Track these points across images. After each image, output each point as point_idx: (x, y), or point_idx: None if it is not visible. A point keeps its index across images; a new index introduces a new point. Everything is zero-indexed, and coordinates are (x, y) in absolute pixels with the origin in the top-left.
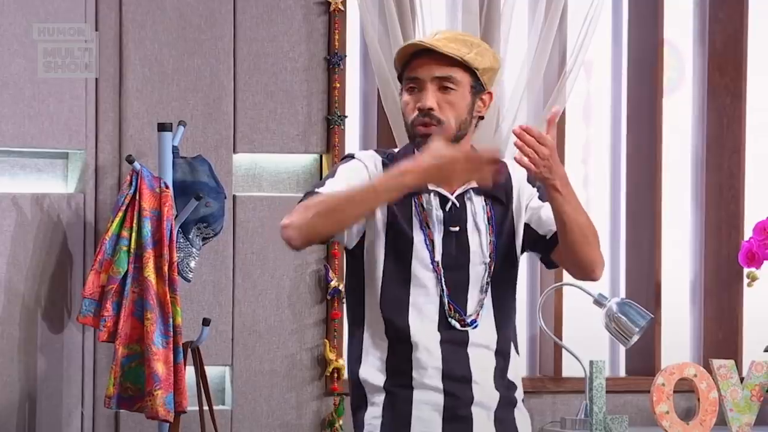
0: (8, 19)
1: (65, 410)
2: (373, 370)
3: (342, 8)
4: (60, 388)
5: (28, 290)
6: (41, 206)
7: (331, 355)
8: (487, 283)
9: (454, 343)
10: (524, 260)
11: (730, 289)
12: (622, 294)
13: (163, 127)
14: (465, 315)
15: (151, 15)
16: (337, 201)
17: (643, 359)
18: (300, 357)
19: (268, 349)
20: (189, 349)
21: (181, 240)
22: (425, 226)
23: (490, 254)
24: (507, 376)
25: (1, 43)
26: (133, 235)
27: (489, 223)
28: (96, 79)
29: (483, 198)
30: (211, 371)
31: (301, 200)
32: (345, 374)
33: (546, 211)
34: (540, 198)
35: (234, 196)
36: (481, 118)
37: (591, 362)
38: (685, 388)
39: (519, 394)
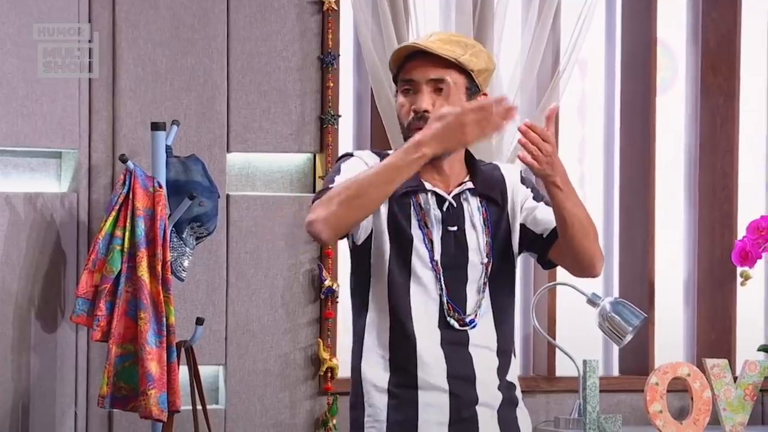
0: (1, 19)
1: (59, 410)
2: (375, 368)
3: (335, 7)
4: (53, 387)
5: (21, 289)
6: (34, 205)
7: (325, 355)
8: (485, 283)
9: (455, 343)
10: (518, 260)
11: (724, 288)
12: (616, 293)
13: (156, 127)
14: (464, 315)
15: (144, 14)
16: (358, 186)
17: (637, 359)
18: (293, 356)
19: (261, 348)
20: (182, 349)
21: (175, 239)
22: (423, 225)
23: (487, 254)
24: (507, 377)
25: None
26: (127, 234)
27: (485, 224)
28: (89, 78)
29: (479, 199)
30: (204, 370)
31: (314, 200)
32: (338, 374)
33: (541, 211)
34: (534, 198)
35: (227, 196)
36: None
37: (584, 362)
38: (678, 387)
39: (518, 393)
